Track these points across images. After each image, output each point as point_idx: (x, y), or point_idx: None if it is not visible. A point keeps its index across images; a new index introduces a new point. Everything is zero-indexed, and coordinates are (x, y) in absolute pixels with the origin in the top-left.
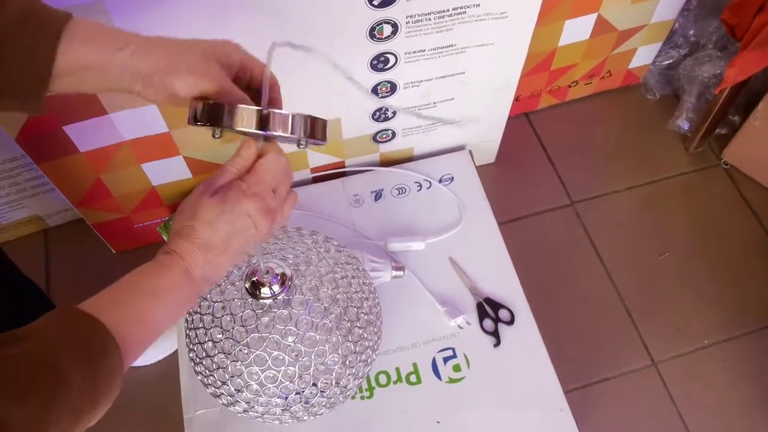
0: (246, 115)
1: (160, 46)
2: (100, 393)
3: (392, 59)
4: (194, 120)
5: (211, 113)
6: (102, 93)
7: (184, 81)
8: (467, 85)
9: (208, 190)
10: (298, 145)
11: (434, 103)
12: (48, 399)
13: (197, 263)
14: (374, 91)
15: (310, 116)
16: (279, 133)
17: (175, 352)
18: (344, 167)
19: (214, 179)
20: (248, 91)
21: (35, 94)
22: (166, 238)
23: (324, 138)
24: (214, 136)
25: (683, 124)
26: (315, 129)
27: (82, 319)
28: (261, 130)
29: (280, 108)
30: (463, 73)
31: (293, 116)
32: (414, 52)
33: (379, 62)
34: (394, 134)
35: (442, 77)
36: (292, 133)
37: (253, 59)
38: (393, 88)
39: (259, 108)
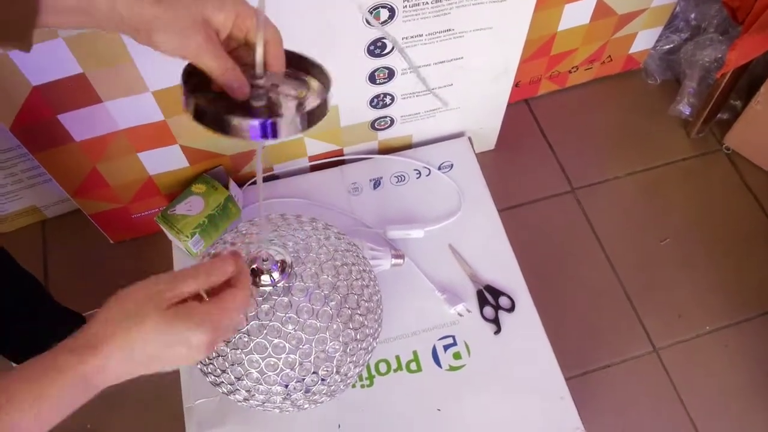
0: (240, 126)
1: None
2: None
3: (389, 44)
4: (194, 118)
5: (207, 120)
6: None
7: (169, 42)
8: (466, 70)
9: (162, 297)
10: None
11: (432, 89)
12: None
13: (106, 375)
14: (371, 77)
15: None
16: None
17: None
18: (343, 155)
19: (175, 283)
20: (247, 48)
21: (23, 31)
22: (164, 229)
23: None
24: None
25: (684, 109)
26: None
27: None
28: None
29: (282, 64)
30: (462, 58)
31: (294, 118)
32: (411, 37)
33: (377, 47)
34: (392, 121)
35: (441, 63)
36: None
37: (247, 13)
38: (391, 74)
39: (254, 123)
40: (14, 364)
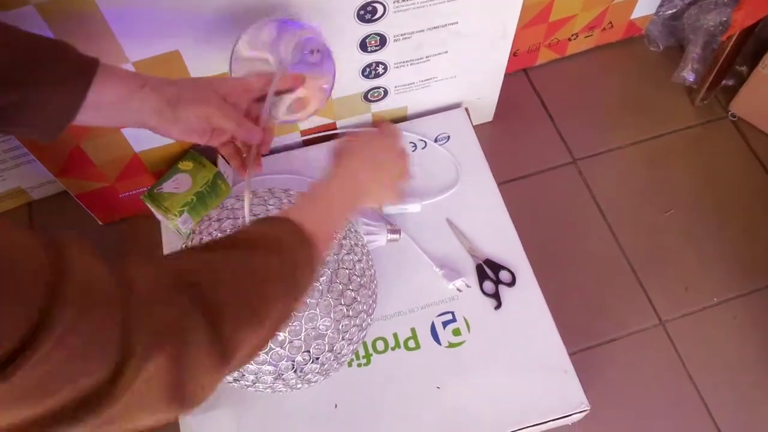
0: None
1: (173, 83)
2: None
3: (380, 9)
4: None
5: None
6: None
7: (189, 109)
8: (461, 36)
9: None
10: None
11: (427, 56)
12: (294, 298)
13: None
14: (363, 44)
15: None
16: None
17: None
18: (335, 129)
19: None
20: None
21: (57, 131)
22: (151, 208)
23: None
24: None
25: (688, 75)
26: None
27: (303, 234)
28: None
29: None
30: (456, 23)
31: None
32: (403, 0)
33: (367, 12)
34: (386, 92)
35: (434, 28)
36: None
37: (251, 82)
38: (383, 41)
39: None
40: None
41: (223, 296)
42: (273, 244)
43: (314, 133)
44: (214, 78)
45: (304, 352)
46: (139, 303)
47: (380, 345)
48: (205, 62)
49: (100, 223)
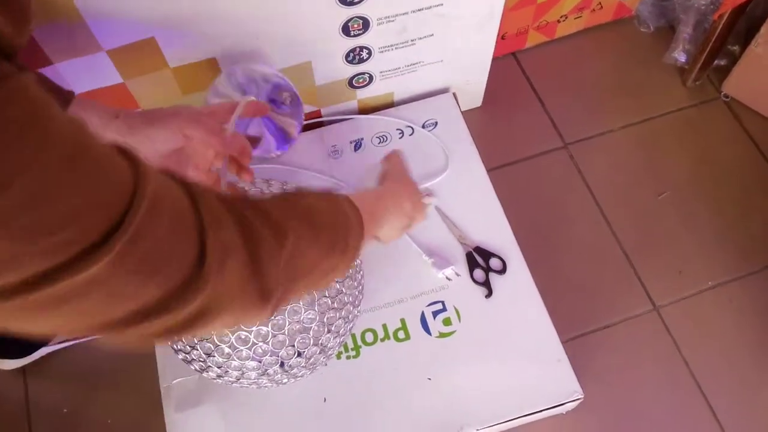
0: None
1: (143, 112)
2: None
3: None
4: None
5: None
6: None
7: (161, 125)
8: (447, 18)
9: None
10: None
11: (412, 40)
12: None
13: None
14: (345, 28)
15: None
16: None
17: None
18: (320, 117)
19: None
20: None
21: None
22: None
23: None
24: None
25: (680, 56)
26: None
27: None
28: None
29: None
30: (442, 4)
31: None
32: None
33: None
34: (371, 78)
35: (419, 10)
36: None
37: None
38: (366, 24)
39: None
40: None
41: (279, 213)
42: (336, 205)
43: None
44: (181, 104)
45: (288, 346)
46: (206, 208)
47: (369, 337)
48: (183, 49)
49: None
